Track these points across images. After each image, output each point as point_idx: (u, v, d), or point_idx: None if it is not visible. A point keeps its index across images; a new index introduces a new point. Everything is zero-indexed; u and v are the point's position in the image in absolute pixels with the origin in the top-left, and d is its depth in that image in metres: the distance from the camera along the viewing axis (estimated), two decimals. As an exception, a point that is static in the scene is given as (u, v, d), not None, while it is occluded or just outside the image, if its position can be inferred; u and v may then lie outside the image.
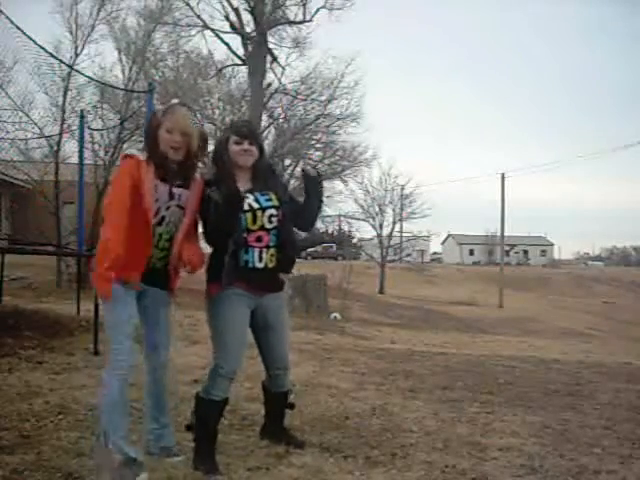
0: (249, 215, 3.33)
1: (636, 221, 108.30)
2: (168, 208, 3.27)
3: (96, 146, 17.28)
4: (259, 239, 3.36)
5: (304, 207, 3.59)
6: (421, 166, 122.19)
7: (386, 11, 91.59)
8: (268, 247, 3.38)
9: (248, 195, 3.36)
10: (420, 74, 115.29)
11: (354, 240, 53.00)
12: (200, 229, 3.46)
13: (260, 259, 3.36)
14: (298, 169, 26.42)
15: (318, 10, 23.96)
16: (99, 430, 3.17)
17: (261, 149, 3.47)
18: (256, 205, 3.36)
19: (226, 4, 23.48)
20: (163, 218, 3.26)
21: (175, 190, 3.27)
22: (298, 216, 3.57)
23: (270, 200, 3.41)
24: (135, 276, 3.18)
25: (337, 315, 18.52)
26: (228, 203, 3.22)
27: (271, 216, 3.38)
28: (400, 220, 42.10)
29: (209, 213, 3.26)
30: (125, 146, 18.17)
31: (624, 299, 40.71)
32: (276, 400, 3.75)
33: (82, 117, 10.85)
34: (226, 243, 3.28)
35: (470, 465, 3.51)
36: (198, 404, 3.46)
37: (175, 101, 3.41)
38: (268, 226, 3.38)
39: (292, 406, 3.83)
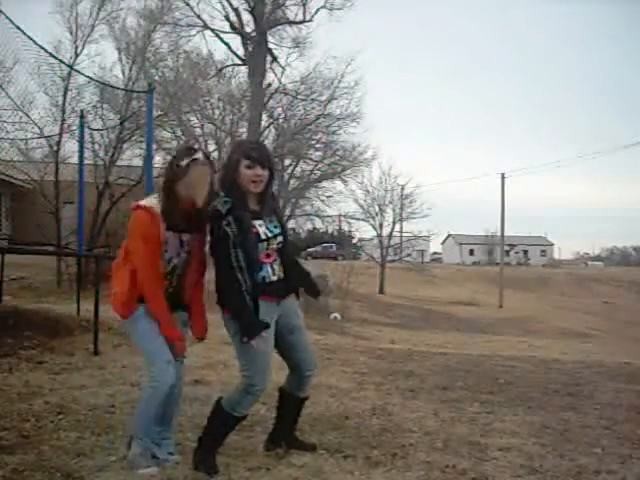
0: (265, 244, 3.36)
1: (636, 221, 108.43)
2: (179, 255, 3.33)
3: (96, 146, 17.33)
4: (268, 255, 3.39)
5: (291, 271, 3.55)
6: (421, 166, 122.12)
7: (386, 11, 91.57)
8: (276, 260, 3.43)
9: (260, 222, 3.37)
10: (420, 74, 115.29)
11: (354, 240, 52.93)
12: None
13: (273, 272, 3.40)
14: (298, 169, 26.52)
15: (318, 10, 24.08)
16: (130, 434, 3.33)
17: (271, 173, 3.39)
18: (269, 234, 3.39)
19: (226, 4, 23.58)
20: (175, 267, 3.33)
21: (184, 237, 3.31)
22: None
23: (277, 227, 3.44)
24: None
25: (337, 315, 18.55)
26: (248, 236, 3.25)
27: (279, 242, 3.44)
28: (400, 220, 42.07)
29: (225, 249, 3.22)
30: (125, 146, 18.21)
31: (624, 299, 40.69)
32: (295, 406, 3.67)
33: (82, 117, 10.87)
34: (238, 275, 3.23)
35: (470, 465, 3.51)
36: (217, 413, 3.40)
37: (199, 156, 3.25)
38: (275, 248, 3.43)
39: None
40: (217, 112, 23.32)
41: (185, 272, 3.37)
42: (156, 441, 3.45)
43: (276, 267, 3.41)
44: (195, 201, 3.20)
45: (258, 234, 3.32)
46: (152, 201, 3.26)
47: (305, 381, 3.60)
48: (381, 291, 38.38)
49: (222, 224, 3.21)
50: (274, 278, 3.38)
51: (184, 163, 3.21)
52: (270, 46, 23.91)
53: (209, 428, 3.41)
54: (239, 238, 3.22)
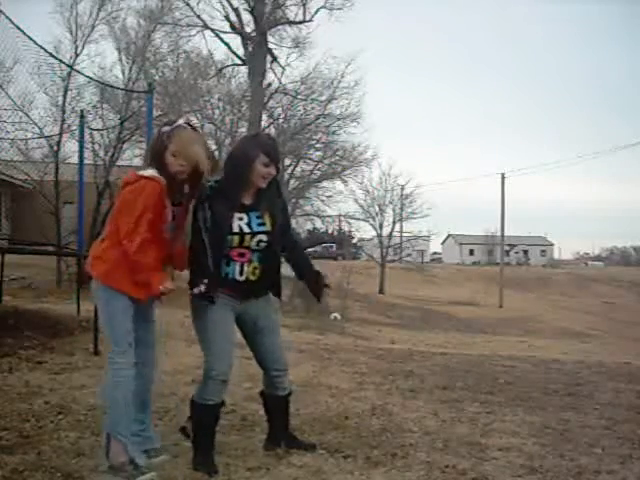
0: (236, 237, 3.31)
1: (636, 221, 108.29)
2: (169, 229, 3.31)
3: (96, 146, 17.31)
4: (241, 255, 3.34)
5: (292, 258, 3.60)
6: (421, 166, 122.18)
7: (386, 11, 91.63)
8: (250, 261, 3.36)
9: (242, 216, 3.33)
10: (420, 74, 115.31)
11: (354, 240, 52.95)
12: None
13: (241, 273, 3.34)
14: (298, 169, 26.52)
15: (318, 10, 24.02)
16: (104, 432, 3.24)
17: (277, 171, 3.41)
18: (247, 229, 3.32)
19: (226, 4, 23.52)
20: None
21: (175, 210, 3.30)
22: (285, 246, 3.55)
23: (263, 225, 3.36)
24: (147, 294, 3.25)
25: (337, 315, 18.52)
26: (216, 227, 3.26)
27: (260, 241, 3.36)
28: (400, 220, 42.10)
29: (197, 230, 3.28)
30: (125, 146, 18.21)
31: (624, 299, 40.69)
32: (279, 404, 3.66)
33: (82, 117, 10.86)
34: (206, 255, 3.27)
35: (470, 465, 3.51)
36: (193, 409, 3.44)
37: (180, 122, 3.27)
38: (254, 248, 3.36)
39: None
40: (217, 112, 23.32)
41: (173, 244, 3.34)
42: (139, 437, 3.35)
43: (247, 268, 3.35)
44: (196, 164, 3.14)
45: (231, 226, 3.29)
46: (153, 173, 3.16)
47: (275, 381, 3.58)
48: (381, 291, 38.38)
49: (198, 207, 3.28)
50: (240, 278, 3.34)
51: (167, 130, 3.20)
52: (270, 46, 23.88)
53: (194, 427, 3.43)
54: (209, 225, 3.24)
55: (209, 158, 3.22)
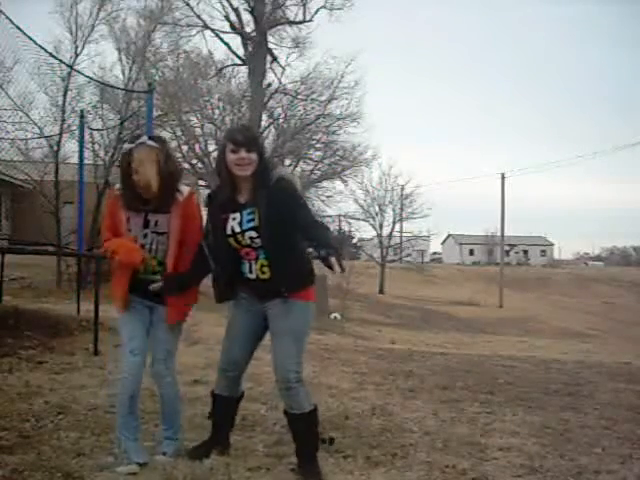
0: (231, 239, 3.31)
1: (636, 221, 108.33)
2: (145, 236, 3.35)
3: (96, 146, 17.31)
4: (247, 253, 3.32)
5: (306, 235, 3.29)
6: (421, 166, 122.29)
7: (386, 11, 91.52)
8: (257, 259, 3.29)
9: (236, 216, 3.29)
10: (420, 73, 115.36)
11: (354, 240, 52.93)
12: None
13: (250, 271, 3.33)
14: (298, 169, 26.50)
15: (318, 10, 24.05)
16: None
17: (261, 154, 3.28)
18: (238, 229, 3.28)
19: (226, 4, 23.54)
20: (142, 246, 3.36)
21: (150, 217, 3.33)
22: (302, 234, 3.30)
23: (252, 221, 3.25)
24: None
25: (337, 315, 18.52)
26: (214, 232, 3.38)
27: (251, 238, 3.27)
28: (400, 220, 42.10)
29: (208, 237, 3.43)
30: (125, 146, 18.22)
31: (624, 299, 40.67)
32: (291, 422, 3.38)
33: (82, 117, 10.86)
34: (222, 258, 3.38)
35: (470, 465, 3.51)
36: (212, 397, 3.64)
37: (143, 139, 3.32)
38: (253, 245, 3.29)
39: (330, 441, 3.67)
40: (217, 112, 23.31)
41: (164, 257, 3.37)
42: (131, 437, 3.38)
43: (255, 266, 3.30)
44: (141, 183, 3.22)
45: (225, 228, 3.31)
46: (117, 185, 3.45)
47: (280, 393, 3.40)
48: (381, 291, 38.36)
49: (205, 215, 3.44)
50: (250, 276, 3.33)
51: (128, 148, 3.33)
52: (270, 46, 23.89)
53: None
54: (210, 230, 3.39)
55: (161, 173, 3.21)
